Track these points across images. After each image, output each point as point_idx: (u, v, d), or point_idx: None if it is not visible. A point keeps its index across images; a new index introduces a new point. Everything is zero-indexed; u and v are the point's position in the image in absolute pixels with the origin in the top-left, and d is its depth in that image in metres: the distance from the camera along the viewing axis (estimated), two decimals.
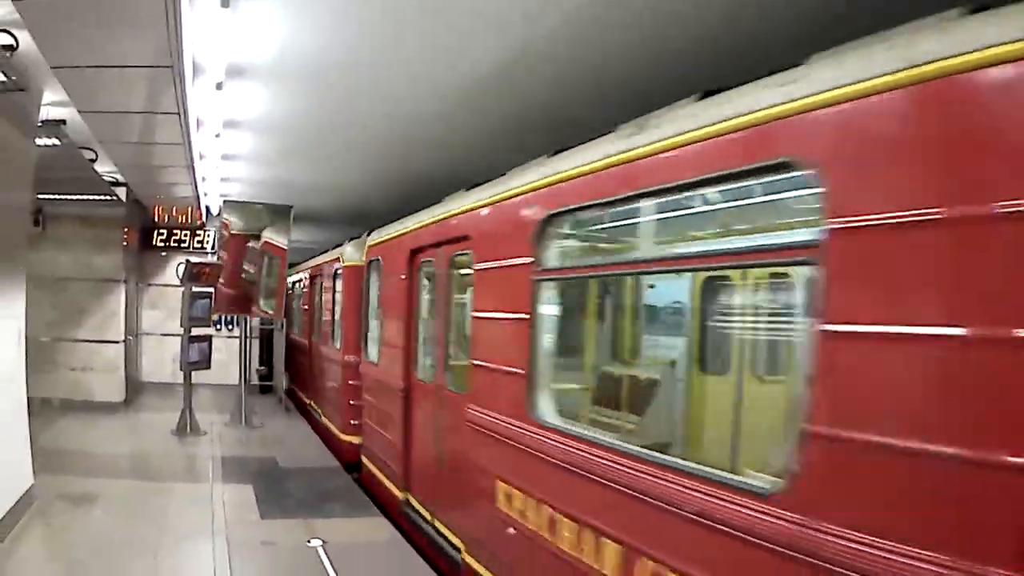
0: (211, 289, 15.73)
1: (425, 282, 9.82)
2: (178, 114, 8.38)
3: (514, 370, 6.41)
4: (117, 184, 14.23)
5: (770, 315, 7.65)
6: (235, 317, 18.61)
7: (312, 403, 17.84)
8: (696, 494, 4.11)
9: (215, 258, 17.13)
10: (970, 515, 2.89)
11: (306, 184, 15.99)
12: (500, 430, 6.64)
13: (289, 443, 14.76)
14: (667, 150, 4.64)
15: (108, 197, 14.64)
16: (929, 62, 3.07)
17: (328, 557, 8.13)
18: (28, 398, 9.23)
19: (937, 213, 3.00)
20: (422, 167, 13.52)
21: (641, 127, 5.04)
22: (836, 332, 3.38)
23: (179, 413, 14.90)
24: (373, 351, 11.68)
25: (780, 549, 3.50)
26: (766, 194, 5.54)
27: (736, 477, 4.23)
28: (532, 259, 6.10)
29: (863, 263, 3.26)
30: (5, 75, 7.03)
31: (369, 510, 10.34)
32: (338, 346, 14.26)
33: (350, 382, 13.34)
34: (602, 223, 6.70)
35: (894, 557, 3.03)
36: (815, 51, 3.77)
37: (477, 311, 7.44)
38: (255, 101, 9.58)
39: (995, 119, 2.93)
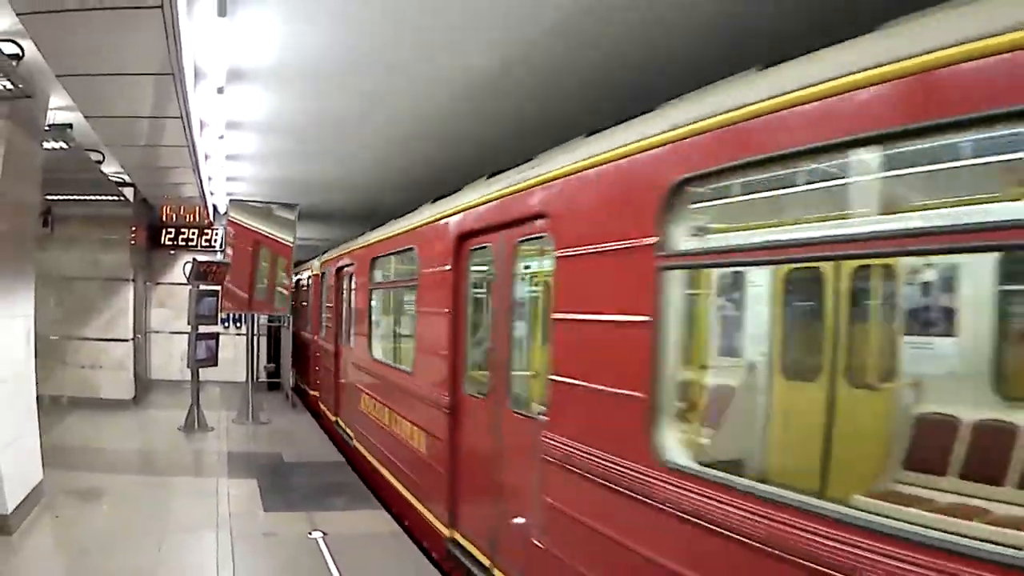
0: (218, 287, 15.97)
1: (476, 275, 8.01)
2: (181, 118, 8.56)
3: (626, 392, 4.79)
4: (124, 184, 14.47)
5: None
6: (242, 315, 18.77)
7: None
8: None
9: (222, 256, 17.30)
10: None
11: (312, 182, 16.25)
12: (598, 470, 5.01)
13: (295, 439, 14.99)
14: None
15: (115, 197, 14.89)
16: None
17: (328, 548, 8.33)
18: (38, 396, 9.44)
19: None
20: (427, 163, 13.70)
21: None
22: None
23: (187, 410, 15.13)
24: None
25: None
26: None
27: None
28: (656, 239, 4.51)
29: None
30: (12, 83, 7.25)
31: (370, 503, 10.53)
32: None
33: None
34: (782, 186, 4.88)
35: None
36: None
37: (561, 312, 5.67)
38: (257, 103, 9.81)
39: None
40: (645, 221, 4.57)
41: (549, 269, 6.09)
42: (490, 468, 7.13)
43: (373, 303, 12.90)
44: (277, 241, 17.01)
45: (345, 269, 14.94)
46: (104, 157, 11.49)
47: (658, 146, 4.63)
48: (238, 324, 20.51)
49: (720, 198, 4.73)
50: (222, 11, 6.46)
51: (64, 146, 9.98)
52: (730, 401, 5.92)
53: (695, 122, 4.32)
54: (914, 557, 2.96)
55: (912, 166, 4.28)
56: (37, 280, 9.32)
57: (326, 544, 8.46)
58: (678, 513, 4.17)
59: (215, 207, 18.90)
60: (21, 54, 7.17)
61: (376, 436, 11.81)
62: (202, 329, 15.57)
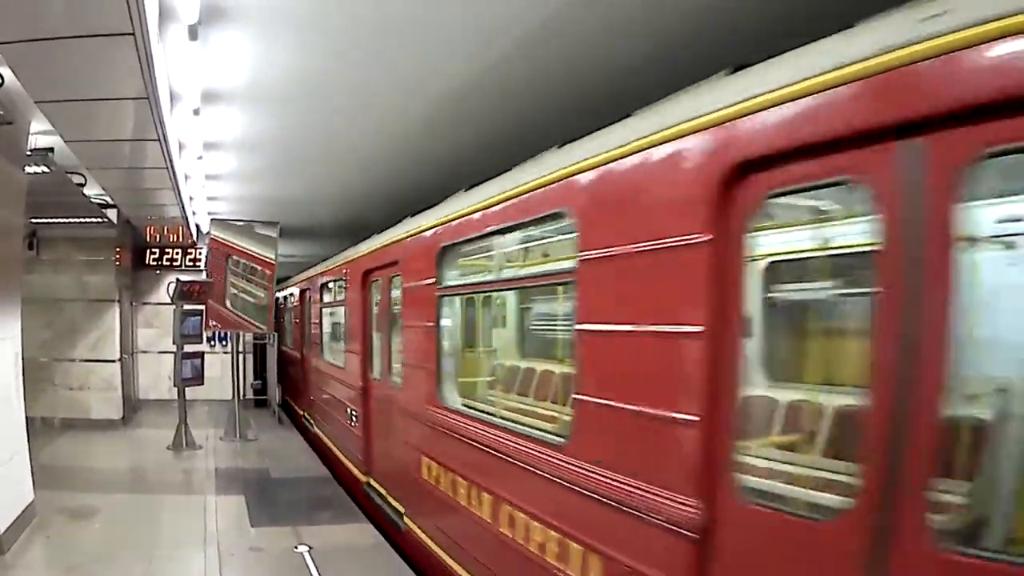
0: (202, 307, 16.05)
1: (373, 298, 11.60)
2: (159, 140, 8.66)
3: None
4: (107, 206, 14.57)
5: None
6: (227, 333, 18.83)
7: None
8: None
9: (207, 276, 17.36)
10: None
11: (292, 199, 16.35)
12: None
13: (282, 454, 15.07)
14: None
15: (99, 219, 15.00)
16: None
17: (313, 561, 8.46)
18: (28, 417, 9.55)
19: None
20: (403, 176, 13.79)
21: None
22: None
23: (175, 429, 15.22)
24: None
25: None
26: None
27: None
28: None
29: None
30: None
31: (356, 517, 10.62)
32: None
33: None
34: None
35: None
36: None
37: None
38: (233, 123, 9.94)
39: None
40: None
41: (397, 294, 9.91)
42: (387, 430, 10.14)
43: (323, 318, 16.03)
44: (259, 259, 17.10)
45: (305, 292, 18.07)
46: (86, 180, 11.58)
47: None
48: (223, 342, 20.56)
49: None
50: (193, 35, 6.59)
51: (46, 170, 10.11)
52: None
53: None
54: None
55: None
56: (24, 303, 9.43)
57: (312, 558, 8.58)
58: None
59: (198, 226, 19.01)
60: (1, 81, 7.30)
61: (323, 417, 15.51)
62: (187, 348, 15.66)
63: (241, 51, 7.44)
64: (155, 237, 20.36)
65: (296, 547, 8.93)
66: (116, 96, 7.25)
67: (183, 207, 13.80)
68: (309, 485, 12.50)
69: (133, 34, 5.61)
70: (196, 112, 8.87)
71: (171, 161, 9.90)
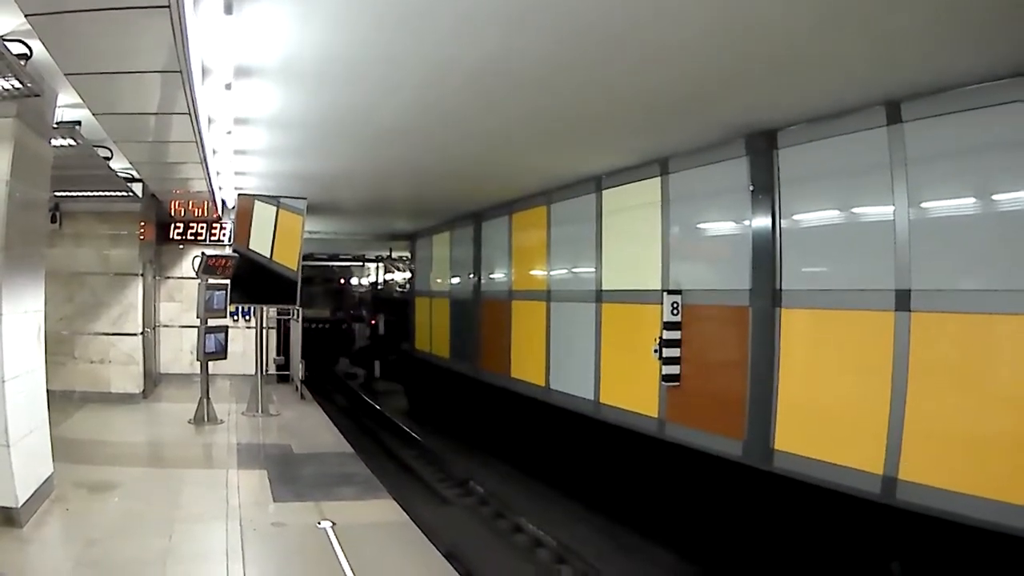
0: (227, 281, 16.07)
1: None
2: (188, 114, 8.62)
3: None
4: (133, 180, 14.58)
5: None
6: (251, 307, 18.88)
7: None
8: None
9: (230, 251, 17.38)
10: None
11: (321, 176, 16.36)
12: None
13: (304, 430, 15.11)
14: None
15: (124, 193, 15.02)
16: None
17: (336, 537, 8.44)
18: (49, 391, 9.58)
19: None
20: (437, 156, 13.87)
21: None
22: None
23: (196, 403, 15.25)
24: None
25: None
26: None
27: None
28: None
29: None
30: (20, 82, 7.37)
31: (380, 493, 10.67)
32: None
33: None
34: None
35: None
36: None
37: None
38: (264, 99, 9.86)
39: None
40: None
41: None
42: None
43: None
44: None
45: None
46: (112, 153, 11.58)
47: None
48: (247, 317, 20.63)
49: None
50: (228, 9, 6.55)
51: (73, 143, 10.11)
52: None
53: None
54: None
55: None
56: (48, 276, 9.45)
57: (335, 533, 8.57)
58: None
59: (224, 202, 19.02)
60: (29, 53, 7.28)
61: None
62: (211, 323, 15.71)
63: (276, 26, 7.35)
64: (179, 212, 20.37)
65: (319, 523, 8.92)
66: (148, 69, 7.19)
67: (210, 181, 13.77)
68: (332, 461, 12.52)
69: (168, 7, 5.56)
70: (228, 87, 8.82)
71: (200, 135, 9.86)
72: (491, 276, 21.99)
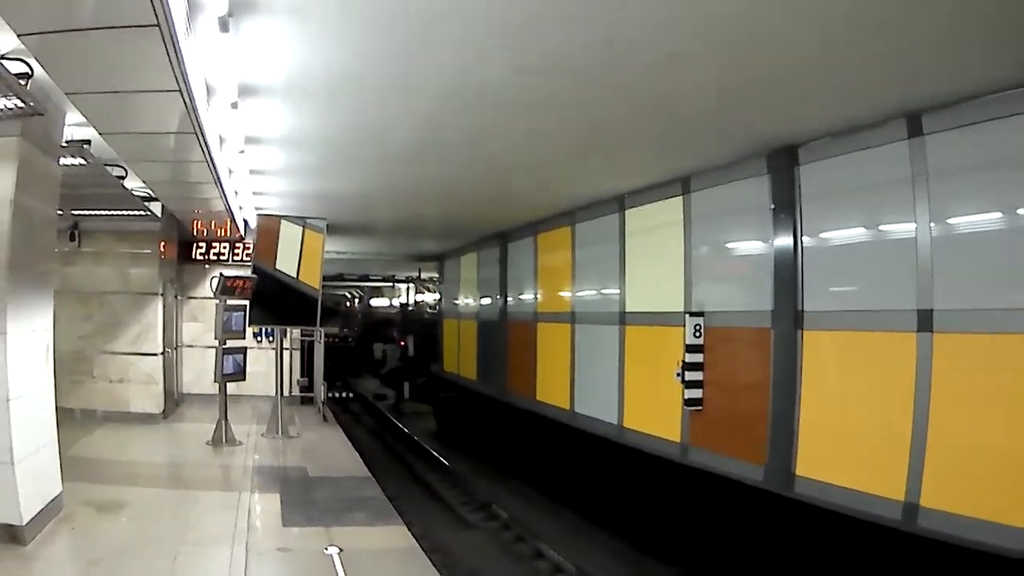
0: (246, 302, 16.03)
1: None
2: (195, 134, 8.60)
3: None
4: (149, 199, 14.60)
5: None
6: (274, 328, 18.90)
7: None
8: None
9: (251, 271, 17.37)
10: None
11: (341, 196, 16.31)
12: None
13: (322, 453, 15.03)
14: None
15: (142, 212, 15.04)
16: None
17: (342, 564, 8.31)
18: (68, 409, 9.58)
19: None
20: (456, 176, 13.82)
21: None
22: None
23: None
24: None
25: None
26: None
27: None
28: None
29: None
30: (22, 101, 7.33)
31: (392, 519, 10.54)
32: None
33: None
34: None
35: None
36: None
37: None
38: (274, 118, 9.83)
39: None
40: None
41: None
42: None
43: None
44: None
45: None
46: (127, 172, 11.58)
47: None
48: (270, 338, 20.55)
49: None
50: (224, 27, 6.47)
51: (83, 162, 10.09)
52: None
53: None
54: None
55: None
56: (65, 295, 9.44)
57: (340, 560, 8.43)
58: None
59: (246, 221, 19.03)
60: (30, 72, 7.25)
61: None
62: (230, 344, 15.67)
63: (276, 44, 7.30)
64: (202, 231, 20.47)
65: (326, 549, 8.78)
66: (147, 88, 7.18)
67: (226, 201, 13.73)
68: (348, 485, 12.39)
69: (158, 26, 5.54)
70: (234, 106, 8.77)
71: (210, 155, 9.83)
72: (517, 297, 21.89)
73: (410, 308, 44.27)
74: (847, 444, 9.76)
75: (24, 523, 8.30)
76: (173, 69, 6.46)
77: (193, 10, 6.25)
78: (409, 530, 13.73)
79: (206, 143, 9.15)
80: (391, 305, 48.14)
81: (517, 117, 9.91)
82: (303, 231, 17.38)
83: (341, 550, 8.73)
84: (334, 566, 8.29)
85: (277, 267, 17.23)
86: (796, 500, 10.32)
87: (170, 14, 5.47)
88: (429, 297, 42.84)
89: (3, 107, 7.49)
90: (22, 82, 7.16)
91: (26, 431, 8.51)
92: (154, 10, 5.30)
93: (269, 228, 17.08)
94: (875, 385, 9.48)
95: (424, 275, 38.60)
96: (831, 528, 9.74)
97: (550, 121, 10.04)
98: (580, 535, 15.15)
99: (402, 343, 38.70)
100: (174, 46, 5.96)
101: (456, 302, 28.97)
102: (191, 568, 8.14)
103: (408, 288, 44.20)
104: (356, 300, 60.68)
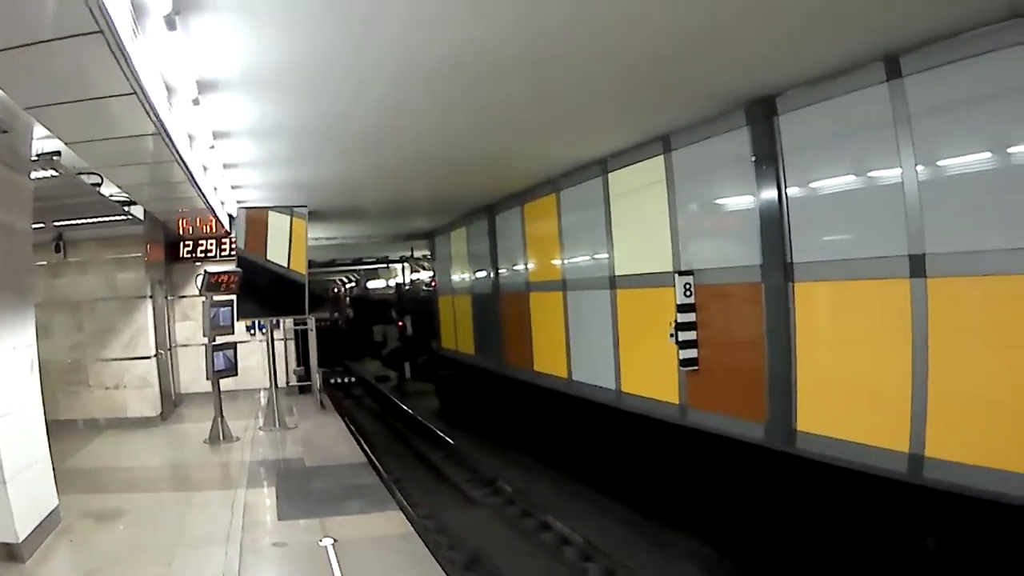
0: (232, 297, 16.00)
1: None
2: (159, 134, 8.51)
3: None
4: (129, 203, 14.55)
5: None
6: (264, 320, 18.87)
7: None
8: None
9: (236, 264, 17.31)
10: None
11: (318, 183, 16.21)
12: None
13: (319, 442, 15.10)
14: None
15: (123, 217, 15.00)
16: None
17: (336, 555, 8.32)
18: (65, 420, 9.59)
19: None
20: (431, 152, 13.66)
21: None
22: None
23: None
24: None
25: None
26: None
27: None
28: None
29: None
30: None
31: (387, 504, 10.58)
32: None
33: None
34: None
35: None
36: None
37: None
38: (238, 111, 9.75)
39: None
40: None
41: None
42: None
43: None
44: None
45: None
46: (102, 179, 11.52)
47: None
48: (263, 330, 20.48)
49: None
50: (171, 26, 6.39)
51: (55, 173, 10.07)
52: None
53: None
54: None
55: None
56: (56, 306, 9.42)
57: (335, 552, 8.44)
58: None
59: (230, 216, 18.95)
60: None
61: None
62: (220, 340, 15.63)
63: (226, 39, 7.22)
64: (188, 230, 20.42)
65: (320, 541, 8.79)
66: (101, 95, 7.09)
67: (205, 198, 13.63)
68: (344, 473, 12.44)
69: (101, 32, 5.46)
70: (195, 102, 8.66)
71: (179, 153, 9.73)
72: (508, 269, 21.80)
73: (406, 288, 44.23)
74: (846, 397, 9.67)
75: (20, 540, 8.34)
76: (124, 72, 6.37)
77: (139, 12, 6.17)
78: (415, 511, 14.03)
79: (172, 141, 9.05)
80: (388, 286, 48.06)
81: (477, 87, 9.68)
82: (291, 220, 17.29)
83: (335, 541, 8.75)
84: (328, 558, 8.30)
85: (268, 258, 17.14)
86: (798, 456, 10.25)
87: (111, 19, 5.38)
88: (425, 276, 42.81)
89: None
90: None
91: (16, 448, 8.54)
92: (94, 18, 5.24)
93: (256, 220, 17.00)
94: (871, 335, 9.37)
95: (417, 254, 38.45)
96: (836, 483, 9.70)
97: (514, 88, 9.83)
98: (586, 504, 15.18)
99: (400, 324, 38.72)
100: (120, 49, 5.88)
101: (449, 278, 28.89)
102: (186, 572, 8.17)
103: (403, 268, 44.08)
104: (352, 284, 60.69)
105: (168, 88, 8.13)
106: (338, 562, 8.13)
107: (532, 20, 7.43)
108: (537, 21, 7.47)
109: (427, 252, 32.90)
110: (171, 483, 12.30)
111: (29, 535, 8.54)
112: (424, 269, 42.03)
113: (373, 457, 18.18)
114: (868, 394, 9.32)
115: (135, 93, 6.99)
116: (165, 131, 8.50)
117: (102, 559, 8.48)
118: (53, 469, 9.54)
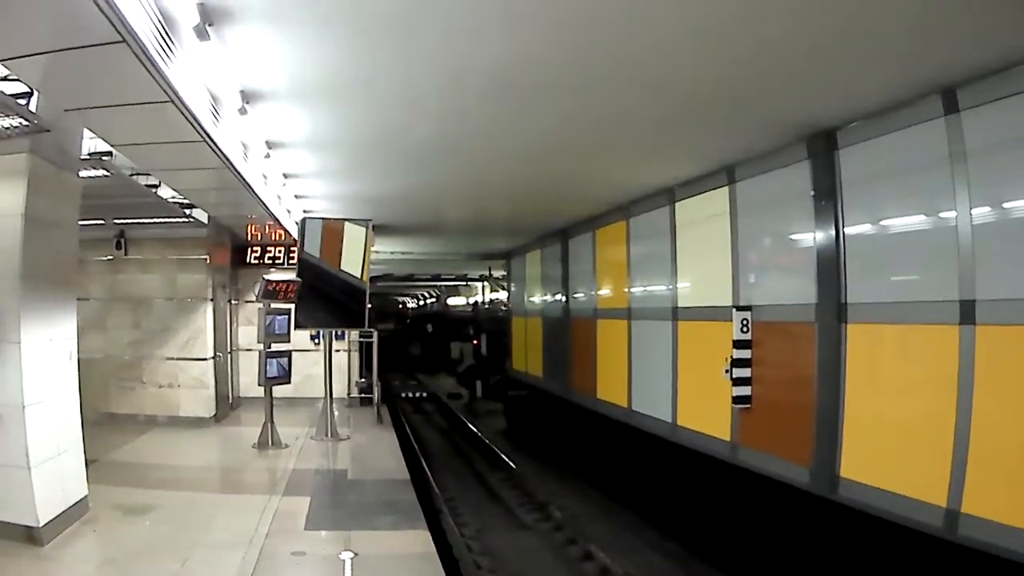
0: (290, 306, 16.18)
1: None
2: (204, 142, 8.62)
3: None
4: (189, 206, 14.81)
5: None
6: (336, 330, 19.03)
7: None
8: None
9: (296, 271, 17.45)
10: None
11: (382, 197, 16.37)
12: None
13: (367, 456, 15.09)
14: None
15: (183, 219, 15.28)
16: None
17: (351, 569, 8.33)
18: (116, 414, 9.77)
19: None
20: (494, 170, 13.68)
21: None
22: None
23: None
24: None
25: None
26: None
27: None
28: None
29: None
30: (25, 119, 7.56)
31: (418, 522, 10.48)
32: None
33: None
34: None
35: None
36: None
37: None
38: (290, 121, 9.89)
39: None
40: None
41: None
42: None
43: None
44: None
45: None
46: (159, 182, 11.76)
47: None
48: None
49: None
50: (202, 36, 6.48)
51: (106, 173, 10.31)
52: None
53: None
54: None
55: None
56: (114, 302, 9.62)
57: (351, 565, 8.44)
58: None
59: (304, 223, 19.16)
60: (31, 91, 7.45)
61: None
62: (274, 347, 15.85)
63: (265, 49, 7.31)
64: (256, 236, 20.72)
65: (340, 554, 8.77)
66: (135, 101, 7.23)
67: (266, 206, 13.79)
68: (383, 488, 12.38)
69: (124, 41, 5.61)
70: (243, 112, 8.77)
71: (230, 161, 9.85)
72: (578, 294, 21.70)
73: (485, 306, 44.31)
74: (888, 445, 9.38)
75: (41, 525, 8.59)
76: (156, 80, 6.50)
77: (168, 23, 6.25)
78: (461, 531, 13.99)
79: (220, 149, 9.16)
80: (467, 304, 48.24)
81: (533, 102, 9.49)
82: (366, 232, 17.42)
83: (356, 555, 8.72)
84: (343, 571, 8.30)
85: (342, 268, 17.28)
86: (838, 503, 9.98)
87: (132, 29, 5.50)
88: (503, 295, 42.91)
89: (7, 126, 7.71)
90: (21, 101, 7.37)
91: (44, 437, 8.79)
92: (115, 28, 5.39)
93: (333, 229, 17.15)
94: (916, 382, 9.08)
95: (496, 273, 38.52)
96: (872, 536, 9.43)
97: (568, 109, 9.74)
98: (634, 536, 15.00)
99: (475, 342, 38.79)
100: (148, 59, 5.99)
101: (523, 299, 28.88)
102: (198, 571, 8.24)
103: (482, 286, 44.17)
104: (433, 300, 61.18)
105: (213, 97, 8.22)
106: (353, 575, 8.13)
107: (577, 35, 7.27)
108: (583, 36, 7.28)
109: (504, 272, 32.88)
110: (208, 484, 12.39)
111: (51, 521, 8.78)
112: (502, 289, 42.14)
113: (429, 474, 18.30)
114: (909, 444, 9.00)
115: (170, 101, 7.11)
116: (210, 139, 8.64)
117: (120, 551, 8.64)
118: (92, 461, 9.82)
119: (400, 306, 71.01)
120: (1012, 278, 7.78)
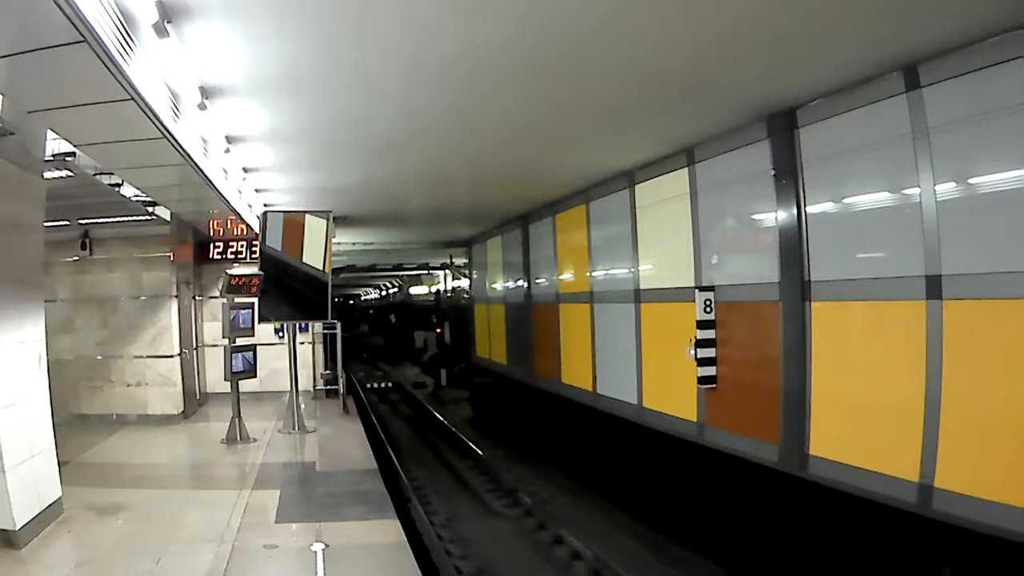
0: (253, 300, 16.16)
1: None
2: (164, 138, 8.59)
3: None
4: (152, 204, 14.75)
5: None
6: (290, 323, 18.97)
7: None
8: None
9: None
10: None
11: (341, 188, 16.39)
12: None
13: (334, 447, 15.09)
14: None
15: (146, 217, 15.22)
16: None
17: (323, 560, 8.39)
18: (86, 415, 9.73)
19: None
20: (452, 159, 13.72)
21: None
22: None
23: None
24: None
25: None
26: None
27: None
28: None
29: None
30: None
31: (387, 512, 10.53)
32: None
33: None
34: None
35: None
36: None
37: None
38: (249, 116, 9.92)
39: None
40: None
41: None
42: None
43: None
44: None
45: None
46: (122, 181, 11.70)
47: None
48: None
49: None
50: (161, 33, 6.49)
51: (70, 173, 10.26)
52: None
53: None
54: None
55: None
56: (80, 302, 9.57)
57: (323, 557, 8.50)
58: None
59: (261, 218, 19.11)
60: None
61: None
62: (239, 341, 15.82)
63: (223, 45, 7.35)
64: (219, 231, 20.63)
65: (312, 545, 8.84)
66: (96, 100, 7.21)
67: (227, 201, 13.74)
68: (351, 479, 12.40)
69: (85, 41, 5.62)
70: (202, 107, 8.77)
71: (191, 157, 9.82)
72: (540, 279, 21.81)
73: (448, 295, 44.25)
74: (858, 422, 9.47)
75: (17, 528, 8.58)
76: (116, 79, 6.49)
77: (128, 21, 6.25)
78: (431, 519, 14.05)
79: (180, 145, 9.13)
80: (429, 293, 48.22)
81: (492, 90, 9.57)
82: (327, 224, 17.39)
83: (327, 546, 8.81)
84: (315, 562, 8.36)
85: (304, 260, 17.23)
86: (808, 481, 10.12)
87: (93, 30, 5.51)
88: (465, 283, 42.95)
89: None
90: None
91: (17, 439, 8.76)
92: (75, 28, 5.39)
93: (294, 223, 17.10)
94: (884, 358, 9.17)
95: (457, 261, 38.53)
96: (845, 512, 9.55)
97: (528, 93, 9.74)
98: (603, 518, 15.13)
99: (439, 330, 38.81)
100: (109, 58, 6.00)
101: (485, 287, 28.98)
102: (173, 568, 8.26)
103: (444, 275, 44.15)
104: (395, 289, 61.09)
105: (172, 94, 8.20)
106: (324, 567, 8.20)
107: (536, 20, 7.30)
108: (541, 22, 7.33)
109: (466, 260, 32.91)
110: (179, 481, 12.38)
111: (27, 524, 8.78)
112: (464, 277, 42.18)
113: (397, 464, 18.33)
114: (879, 420, 9.11)
115: (132, 99, 7.10)
116: (171, 135, 8.61)
117: (95, 551, 8.64)
118: (65, 462, 9.79)
119: (351, 301, 70.94)
120: (978, 252, 7.88)
